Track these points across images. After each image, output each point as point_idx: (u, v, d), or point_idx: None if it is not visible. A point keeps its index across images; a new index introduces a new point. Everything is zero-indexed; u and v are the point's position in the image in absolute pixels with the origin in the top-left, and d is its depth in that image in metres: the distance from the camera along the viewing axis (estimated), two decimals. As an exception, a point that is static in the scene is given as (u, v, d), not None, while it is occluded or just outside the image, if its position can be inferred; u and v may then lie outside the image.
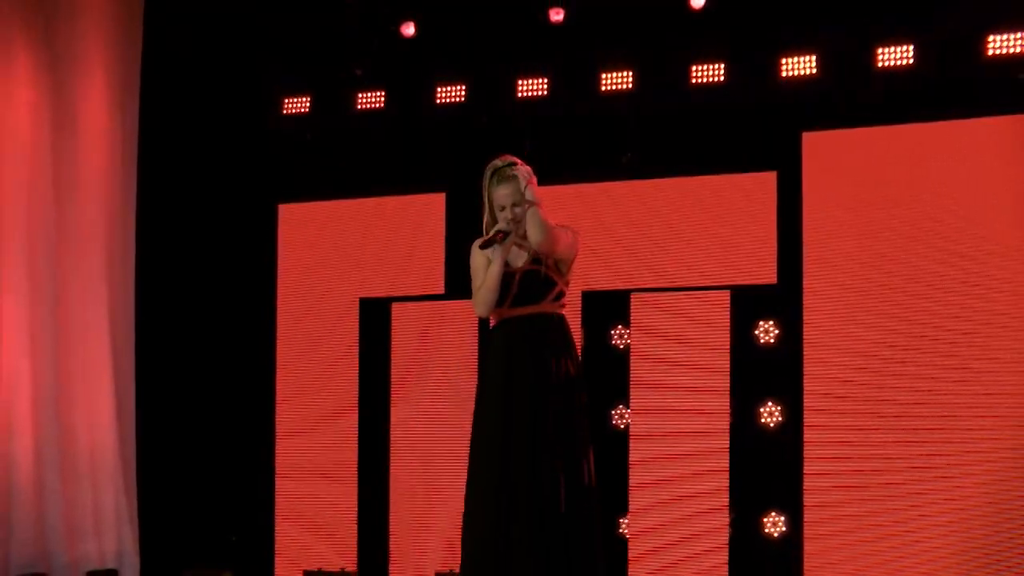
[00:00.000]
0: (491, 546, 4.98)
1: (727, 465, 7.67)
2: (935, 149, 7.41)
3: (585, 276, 7.79)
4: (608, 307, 7.98)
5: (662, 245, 7.93)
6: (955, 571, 7.18)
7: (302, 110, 8.65)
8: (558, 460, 5.00)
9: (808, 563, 7.46)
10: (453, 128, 8.34)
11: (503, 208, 5.09)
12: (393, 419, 8.42)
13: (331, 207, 8.64)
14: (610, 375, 7.91)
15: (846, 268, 7.54)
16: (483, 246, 5.10)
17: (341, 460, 8.53)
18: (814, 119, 7.62)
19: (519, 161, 5.19)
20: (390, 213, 8.50)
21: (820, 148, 7.62)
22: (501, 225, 5.07)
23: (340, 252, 8.62)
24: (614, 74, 7.96)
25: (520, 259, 5.15)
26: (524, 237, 5.10)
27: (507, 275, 5.12)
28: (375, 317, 8.51)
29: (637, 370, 7.90)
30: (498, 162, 5.17)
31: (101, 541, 8.21)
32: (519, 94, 8.15)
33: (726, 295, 7.74)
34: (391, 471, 8.42)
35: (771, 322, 7.68)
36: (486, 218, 5.17)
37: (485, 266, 5.12)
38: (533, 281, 5.14)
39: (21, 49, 8.08)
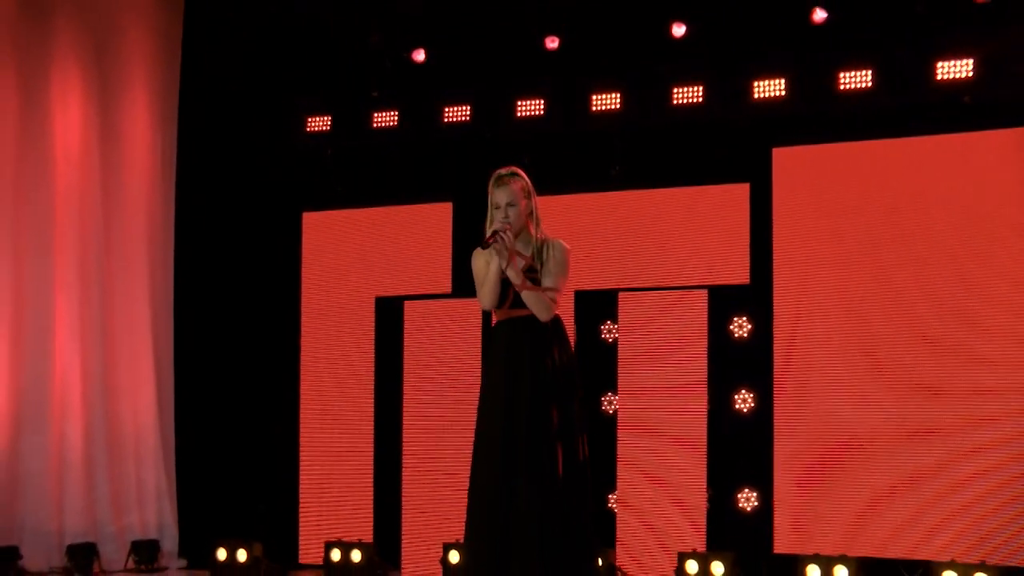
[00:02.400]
0: (494, 516, 5.10)
1: (705, 446, 7.92)
2: (891, 163, 7.64)
3: (578, 277, 7.97)
4: (598, 305, 8.21)
5: (647, 249, 8.15)
6: (905, 538, 7.46)
7: (324, 128, 8.86)
8: (556, 439, 5.12)
9: (777, 534, 7.73)
10: (459, 144, 8.56)
11: (498, 207, 5.21)
12: (405, 403, 8.62)
13: (350, 215, 8.86)
14: (600, 366, 8.12)
15: (812, 269, 7.80)
16: (483, 246, 5.19)
17: (358, 441, 8.74)
18: (783, 136, 7.86)
19: (522, 173, 5.27)
20: (402, 220, 8.72)
21: (788, 162, 7.87)
22: (496, 226, 5.18)
23: (358, 255, 8.85)
24: (604, 95, 8.18)
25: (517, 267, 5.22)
26: (518, 235, 5.23)
27: (505, 282, 5.19)
28: (389, 314, 8.73)
29: (624, 361, 8.14)
30: (502, 170, 5.28)
31: (144, 514, 8.52)
32: (518, 114, 8.38)
33: (704, 294, 7.98)
34: (403, 451, 8.60)
35: (744, 318, 7.94)
36: (488, 219, 5.28)
37: (484, 267, 5.23)
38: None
39: (74, 65, 8.37)
